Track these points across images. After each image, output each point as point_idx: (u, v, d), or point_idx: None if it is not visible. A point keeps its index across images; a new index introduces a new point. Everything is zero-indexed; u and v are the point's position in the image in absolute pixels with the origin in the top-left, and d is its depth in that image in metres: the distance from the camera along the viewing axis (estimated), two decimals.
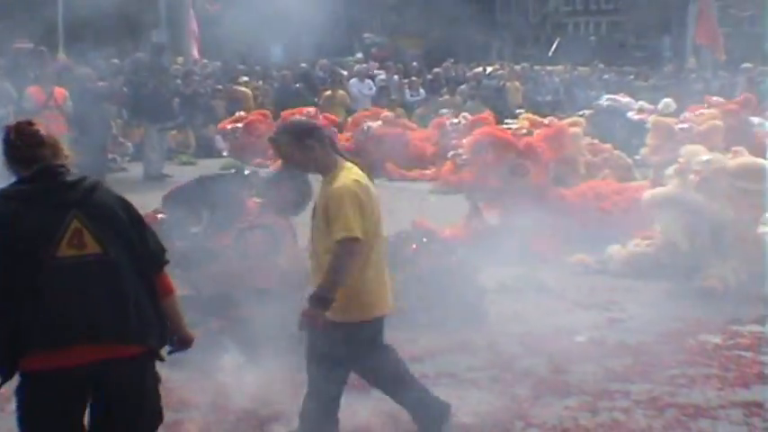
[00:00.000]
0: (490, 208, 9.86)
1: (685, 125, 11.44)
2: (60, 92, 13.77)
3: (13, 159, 3.54)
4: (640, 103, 17.02)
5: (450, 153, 9.81)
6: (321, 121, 16.32)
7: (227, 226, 6.69)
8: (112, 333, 3.44)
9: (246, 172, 7.53)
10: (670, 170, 8.58)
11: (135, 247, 3.54)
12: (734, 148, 8.71)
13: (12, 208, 3.39)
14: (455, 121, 15.08)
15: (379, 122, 15.78)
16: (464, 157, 9.54)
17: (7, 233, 3.35)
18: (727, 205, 8.11)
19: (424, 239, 7.32)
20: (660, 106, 14.90)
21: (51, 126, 14.61)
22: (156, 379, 3.67)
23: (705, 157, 8.36)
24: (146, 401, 3.61)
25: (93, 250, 3.42)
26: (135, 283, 3.51)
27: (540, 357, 6.31)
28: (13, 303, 3.34)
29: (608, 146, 12.29)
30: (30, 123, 3.60)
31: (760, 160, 8.50)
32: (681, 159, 8.51)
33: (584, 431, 5.12)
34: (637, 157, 12.21)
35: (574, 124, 11.69)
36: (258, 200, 6.87)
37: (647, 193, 8.75)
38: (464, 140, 9.93)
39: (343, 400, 4.70)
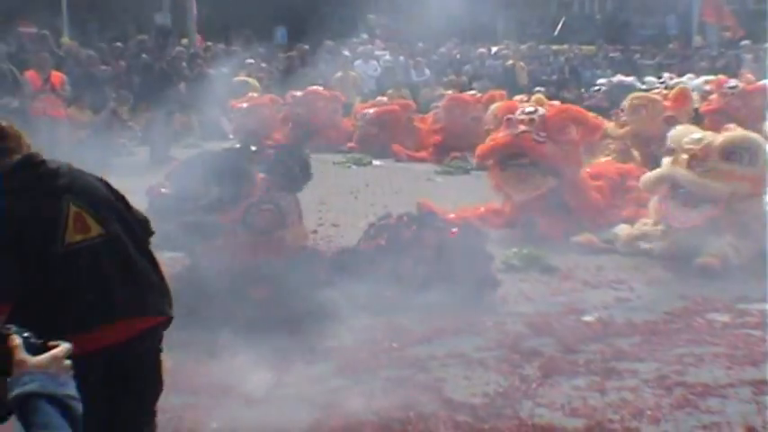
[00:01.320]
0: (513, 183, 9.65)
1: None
2: (57, 76, 13.70)
3: None
4: (665, 75, 17.02)
5: (522, 129, 9.26)
6: (340, 99, 16.40)
7: (235, 200, 6.69)
8: (136, 308, 3.47)
9: (253, 148, 7.51)
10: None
11: (127, 221, 3.57)
12: (726, 126, 8.76)
13: (7, 203, 3.30)
14: (435, 104, 15.44)
15: None
16: (542, 134, 9.30)
17: (11, 231, 3.27)
18: (719, 181, 8.14)
19: (429, 220, 7.31)
20: (684, 78, 15.09)
21: (48, 110, 14.42)
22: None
23: (696, 135, 8.43)
24: (158, 372, 3.66)
25: (98, 231, 3.42)
26: (138, 256, 3.54)
27: (547, 337, 6.31)
28: (34, 300, 3.26)
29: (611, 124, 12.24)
30: None
31: (748, 134, 8.51)
32: (669, 143, 8.63)
33: (592, 411, 5.11)
34: None
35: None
36: (264, 175, 6.89)
37: (644, 176, 8.88)
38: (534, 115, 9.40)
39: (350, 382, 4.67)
